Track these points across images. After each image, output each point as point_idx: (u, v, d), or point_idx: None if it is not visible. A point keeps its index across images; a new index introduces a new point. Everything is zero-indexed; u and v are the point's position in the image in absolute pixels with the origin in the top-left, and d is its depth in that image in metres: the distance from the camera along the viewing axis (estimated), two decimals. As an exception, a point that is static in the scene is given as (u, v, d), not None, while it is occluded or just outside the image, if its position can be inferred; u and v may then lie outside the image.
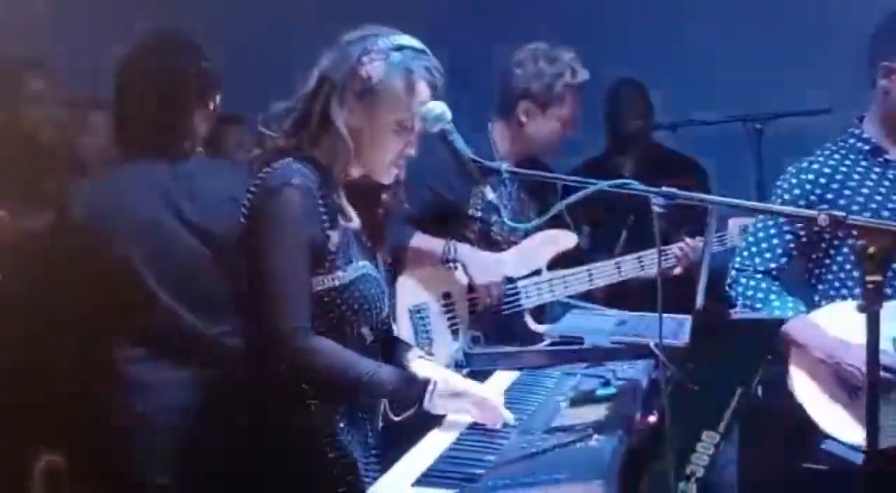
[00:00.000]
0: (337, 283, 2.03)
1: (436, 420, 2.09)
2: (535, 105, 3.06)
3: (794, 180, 2.70)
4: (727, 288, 2.76)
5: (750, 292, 2.70)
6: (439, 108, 1.99)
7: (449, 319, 3.04)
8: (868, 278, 1.49)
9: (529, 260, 3.07)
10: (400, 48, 2.05)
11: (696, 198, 1.72)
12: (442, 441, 1.95)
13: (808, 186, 2.67)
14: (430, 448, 1.91)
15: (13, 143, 3.07)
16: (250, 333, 2.13)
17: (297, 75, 2.11)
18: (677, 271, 3.14)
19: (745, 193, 3.76)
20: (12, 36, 3.38)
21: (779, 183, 2.74)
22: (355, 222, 2.09)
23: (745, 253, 2.75)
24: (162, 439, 2.41)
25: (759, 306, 2.68)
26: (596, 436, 1.81)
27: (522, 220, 2.95)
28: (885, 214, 2.61)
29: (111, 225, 2.46)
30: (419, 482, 1.71)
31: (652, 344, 1.80)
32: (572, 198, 1.83)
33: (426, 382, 2.03)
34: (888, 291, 2.51)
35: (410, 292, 3.00)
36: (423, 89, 2.05)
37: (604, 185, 1.78)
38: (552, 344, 2.35)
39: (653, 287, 3.03)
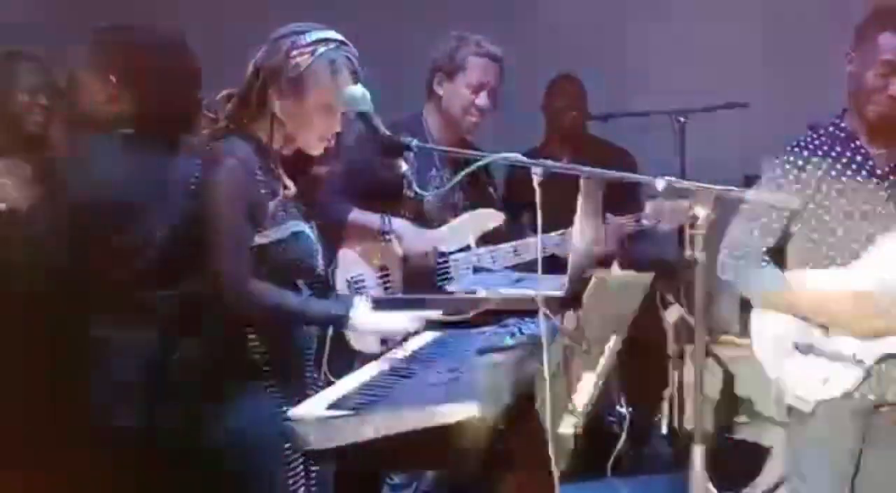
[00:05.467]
0: (272, 239, 2.36)
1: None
2: (444, 75, 3.36)
3: (777, 161, 3.00)
4: (719, 269, 3.00)
5: (736, 264, 2.97)
6: (359, 91, 2.32)
7: (385, 289, 3.32)
8: (691, 232, 1.80)
9: (459, 236, 3.37)
10: (324, 41, 2.39)
11: (570, 168, 2.03)
12: (361, 377, 2.27)
13: (787, 166, 2.97)
14: (349, 382, 2.23)
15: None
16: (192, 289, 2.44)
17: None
18: (597, 248, 3.41)
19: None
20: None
21: (769, 162, 3.03)
22: (292, 190, 2.44)
23: (737, 232, 3.00)
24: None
25: (741, 281, 2.98)
26: (486, 373, 2.11)
27: (449, 200, 3.32)
28: (849, 192, 2.92)
29: None
30: (332, 405, 2.02)
31: (534, 294, 2.11)
32: (469, 168, 2.14)
33: (347, 307, 2.40)
34: None
35: (349, 264, 3.29)
36: (345, 75, 2.39)
37: (494, 157, 2.09)
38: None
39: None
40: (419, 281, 3.31)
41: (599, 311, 2.21)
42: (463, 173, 2.16)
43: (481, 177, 3.39)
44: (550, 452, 2.02)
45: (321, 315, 2.44)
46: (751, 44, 4.78)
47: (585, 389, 2.26)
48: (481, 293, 2.40)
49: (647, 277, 2.19)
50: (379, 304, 2.40)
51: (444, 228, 3.38)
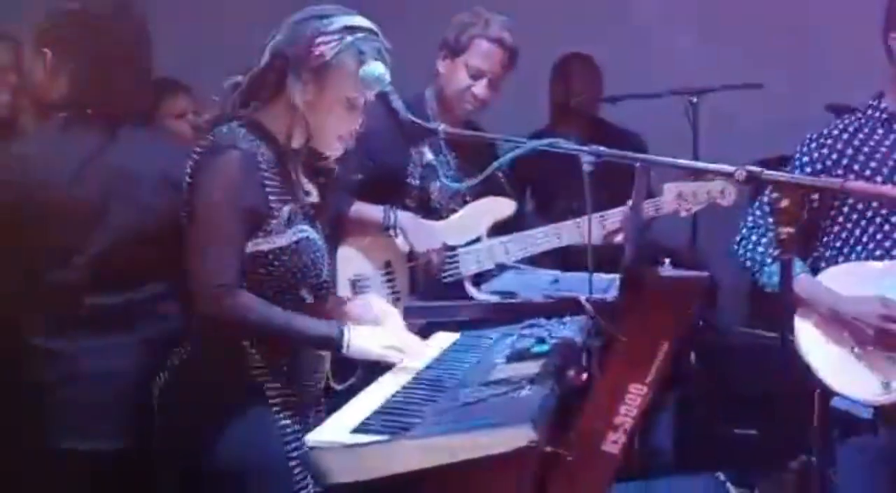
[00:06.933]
0: (275, 245, 2.10)
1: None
2: (447, 53, 3.09)
3: (813, 145, 2.79)
4: (735, 245, 2.85)
5: (754, 249, 2.80)
6: (380, 69, 2.07)
7: (390, 288, 3.07)
8: (780, 230, 1.56)
9: (469, 227, 3.11)
10: (352, 29, 2.13)
11: (622, 155, 1.78)
12: (383, 393, 2.01)
13: (824, 150, 2.76)
14: (371, 399, 1.97)
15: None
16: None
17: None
18: (619, 239, 3.08)
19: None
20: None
21: (799, 146, 2.82)
22: (314, 197, 2.20)
23: (759, 213, 2.85)
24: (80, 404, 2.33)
25: (756, 266, 2.79)
26: (528, 387, 1.86)
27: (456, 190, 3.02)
28: (894, 179, 2.69)
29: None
30: (357, 429, 1.76)
31: (582, 298, 1.86)
32: (505, 158, 1.88)
33: (342, 328, 2.13)
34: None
35: (351, 262, 3.03)
36: None
37: (535, 144, 1.84)
38: (486, 300, 2.40)
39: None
40: (427, 279, 3.06)
41: (650, 314, 1.96)
42: (499, 162, 1.90)
43: (486, 163, 3.12)
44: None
45: (309, 336, 2.15)
46: (764, 24, 4.55)
47: (633, 402, 2.01)
48: (522, 297, 2.14)
49: (704, 276, 1.94)
50: (409, 311, 2.14)
51: (452, 220, 3.12)
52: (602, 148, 1.76)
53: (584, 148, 1.76)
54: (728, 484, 3.74)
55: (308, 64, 2.10)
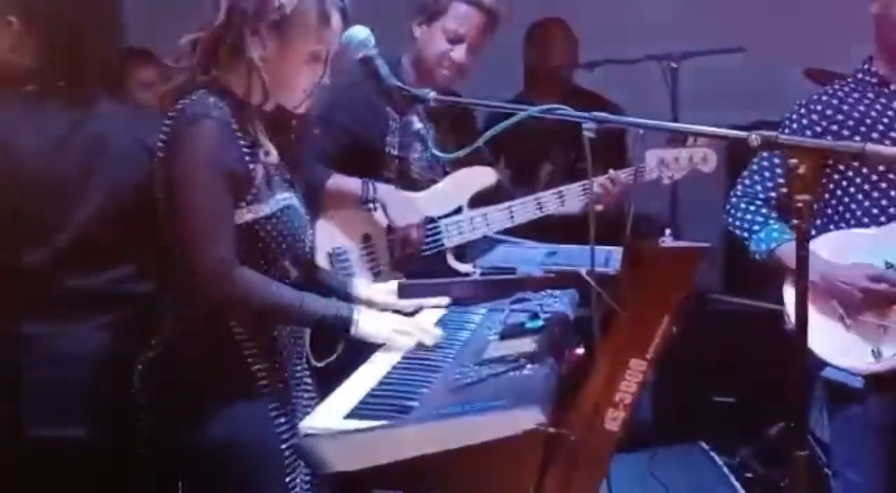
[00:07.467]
0: (260, 215, 2.01)
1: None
2: (424, 17, 2.96)
3: (802, 111, 2.72)
4: (725, 214, 2.81)
5: (743, 216, 2.76)
6: (363, 33, 1.98)
7: (370, 262, 2.97)
8: (797, 197, 1.49)
9: (450, 198, 3.01)
10: None
11: (626, 122, 1.70)
12: (375, 374, 1.92)
13: (814, 117, 2.69)
14: (363, 381, 1.88)
15: None
16: (169, 271, 2.06)
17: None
18: (598, 208, 2.99)
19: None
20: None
21: (788, 113, 2.75)
22: (273, 157, 2.07)
23: (748, 181, 2.79)
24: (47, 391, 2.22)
25: (745, 233, 2.75)
26: (528, 366, 1.79)
27: (436, 158, 2.91)
28: (887, 143, 2.63)
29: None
30: (351, 414, 1.67)
31: (583, 272, 1.79)
32: (499, 126, 1.79)
33: (352, 308, 2.05)
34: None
35: (329, 235, 2.92)
36: (336, 19, 2.03)
37: (533, 111, 1.75)
38: (484, 275, 2.32)
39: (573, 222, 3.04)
40: (405, 254, 2.96)
41: (649, 288, 1.89)
42: (496, 129, 1.80)
43: (469, 129, 3.01)
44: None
45: (321, 316, 2.05)
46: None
47: (633, 378, 1.94)
48: (521, 272, 2.05)
49: (705, 247, 1.87)
50: (403, 290, 2.05)
51: (432, 191, 3.02)
52: (605, 114, 1.68)
53: (585, 114, 1.68)
54: (712, 453, 3.73)
55: (267, 17, 1.98)
